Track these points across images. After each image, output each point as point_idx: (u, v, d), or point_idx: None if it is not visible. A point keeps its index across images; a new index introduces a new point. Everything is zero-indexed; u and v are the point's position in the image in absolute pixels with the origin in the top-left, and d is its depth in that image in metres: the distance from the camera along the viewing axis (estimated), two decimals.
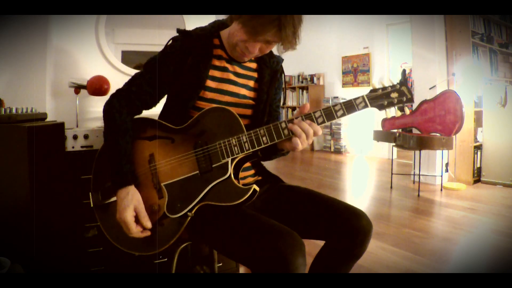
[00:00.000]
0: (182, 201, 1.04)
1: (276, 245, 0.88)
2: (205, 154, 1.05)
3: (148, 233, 1.04)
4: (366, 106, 1.01)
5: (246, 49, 1.08)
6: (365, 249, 1.07)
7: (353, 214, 1.06)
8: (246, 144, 1.02)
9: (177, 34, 1.15)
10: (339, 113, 1.01)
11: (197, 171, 1.05)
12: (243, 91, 1.20)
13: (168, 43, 1.15)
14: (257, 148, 1.02)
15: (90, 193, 1.14)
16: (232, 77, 1.17)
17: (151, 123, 1.13)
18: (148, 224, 1.03)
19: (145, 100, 1.13)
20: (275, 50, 1.28)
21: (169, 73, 1.12)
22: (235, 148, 1.02)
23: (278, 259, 0.87)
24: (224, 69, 1.16)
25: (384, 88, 1.03)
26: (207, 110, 1.08)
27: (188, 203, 1.04)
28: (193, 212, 1.03)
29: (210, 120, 1.07)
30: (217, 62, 1.16)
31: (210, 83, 1.13)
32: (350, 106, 1.01)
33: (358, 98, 1.02)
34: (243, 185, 1.03)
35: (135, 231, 1.02)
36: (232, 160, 1.04)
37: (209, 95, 1.13)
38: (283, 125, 1.01)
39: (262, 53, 1.12)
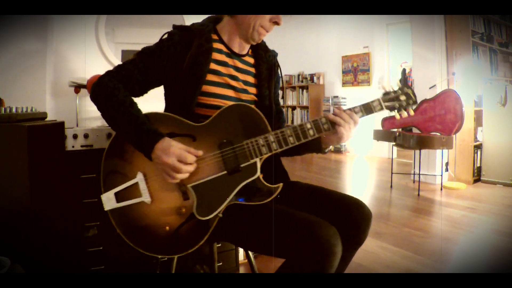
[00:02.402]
0: (212, 203, 1.02)
1: (317, 235, 0.91)
2: (232, 154, 1.03)
3: (195, 165, 1.00)
4: (382, 109, 1.12)
5: (261, 27, 1.11)
6: (367, 235, 1.12)
7: (354, 204, 1.12)
8: (273, 144, 1.04)
9: (173, 29, 1.13)
10: (359, 115, 1.11)
11: (225, 171, 1.03)
12: (244, 86, 1.20)
13: (164, 37, 1.12)
14: (284, 148, 1.04)
15: (101, 196, 1.06)
16: (232, 71, 1.17)
17: (167, 118, 1.07)
18: (191, 158, 0.99)
19: (133, 88, 1.08)
20: (271, 46, 1.27)
21: (162, 66, 1.09)
22: (263, 148, 1.03)
23: (321, 247, 0.90)
24: (224, 64, 1.16)
25: (395, 92, 1.13)
26: (229, 107, 1.06)
27: (218, 204, 1.02)
28: (221, 212, 1.02)
29: (233, 117, 1.05)
30: (217, 56, 1.15)
31: (211, 77, 1.12)
32: (368, 109, 1.11)
33: (374, 101, 1.11)
34: None
35: (185, 169, 0.98)
36: (260, 160, 1.04)
37: (211, 89, 1.12)
38: (308, 125, 1.05)
39: (267, 30, 1.13)
